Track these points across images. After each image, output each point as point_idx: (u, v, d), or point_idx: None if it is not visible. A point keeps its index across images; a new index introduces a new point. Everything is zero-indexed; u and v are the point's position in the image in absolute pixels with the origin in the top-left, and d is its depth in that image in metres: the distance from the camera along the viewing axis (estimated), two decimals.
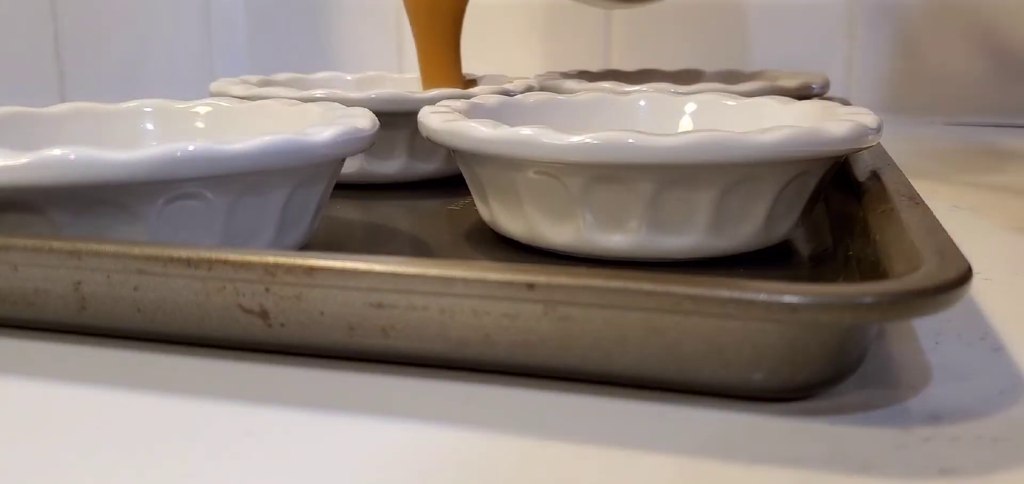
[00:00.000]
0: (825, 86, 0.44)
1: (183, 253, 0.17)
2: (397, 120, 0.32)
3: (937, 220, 0.19)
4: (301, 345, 0.17)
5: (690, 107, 0.31)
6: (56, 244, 0.18)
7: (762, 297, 0.14)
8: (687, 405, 0.16)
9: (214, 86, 0.37)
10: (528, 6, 0.65)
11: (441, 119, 0.25)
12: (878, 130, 0.23)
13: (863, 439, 0.14)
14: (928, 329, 0.19)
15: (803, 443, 0.14)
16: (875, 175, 0.24)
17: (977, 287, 0.22)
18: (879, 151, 0.28)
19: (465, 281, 0.16)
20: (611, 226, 0.23)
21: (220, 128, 0.29)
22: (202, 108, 0.30)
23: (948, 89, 0.59)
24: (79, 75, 0.56)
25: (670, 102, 0.31)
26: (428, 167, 0.35)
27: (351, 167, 0.34)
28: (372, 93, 0.32)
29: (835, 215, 0.27)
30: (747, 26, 0.62)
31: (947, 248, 0.16)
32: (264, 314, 0.17)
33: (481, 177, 0.25)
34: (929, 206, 0.20)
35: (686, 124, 0.30)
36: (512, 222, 0.25)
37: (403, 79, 0.44)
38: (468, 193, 0.27)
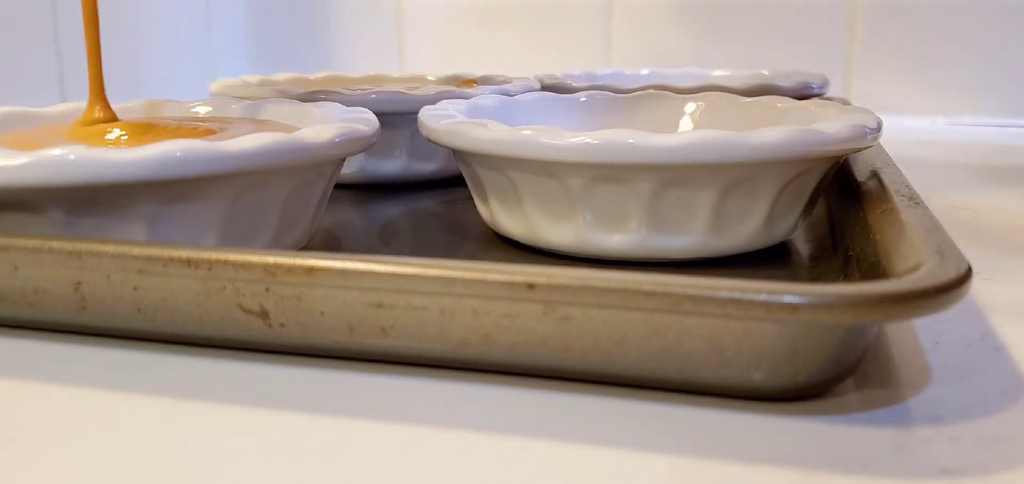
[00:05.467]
0: (825, 86, 0.44)
1: (183, 253, 0.17)
2: (397, 120, 0.32)
3: (937, 220, 0.19)
4: (301, 345, 0.17)
5: (690, 107, 0.31)
6: (56, 244, 0.18)
7: (762, 297, 0.14)
8: (687, 405, 0.16)
9: (214, 86, 0.37)
10: (529, 6, 0.65)
11: (441, 119, 0.25)
12: (878, 130, 0.23)
13: (863, 439, 0.14)
14: (928, 329, 0.19)
15: (803, 443, 0.14)
16: (875, 175, 0.24)
17: (977, 287, 0.22)
18: (879, 151, 0.28)
19: (465, 281, 0.16)
20: (611, 226, 0.23)
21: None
22: (202, 108, 0.30)
23: (948, 89, 0.59)
24: (79, 75, 0.56)
25: (670, 102, 0.31)
26: (428, 167, 0.35)
27: (351, 167, 0.34)
28: (372, 93, 0.32)
29: (835, 215, 0.27)
30: (747, 26, 0.62)
31: (947, 248, 0.16)
32: (264, 314, 0.17)
33: (481, 177, 0.25)
34: (929, 206, 0.20)
35: (686, 124, 0.30)
36: (512, 222, 0.25)
37: (403, 79, 0.44)
38: (468, 193, 0.27)
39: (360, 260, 0.16)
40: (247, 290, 0.17)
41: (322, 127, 0.22)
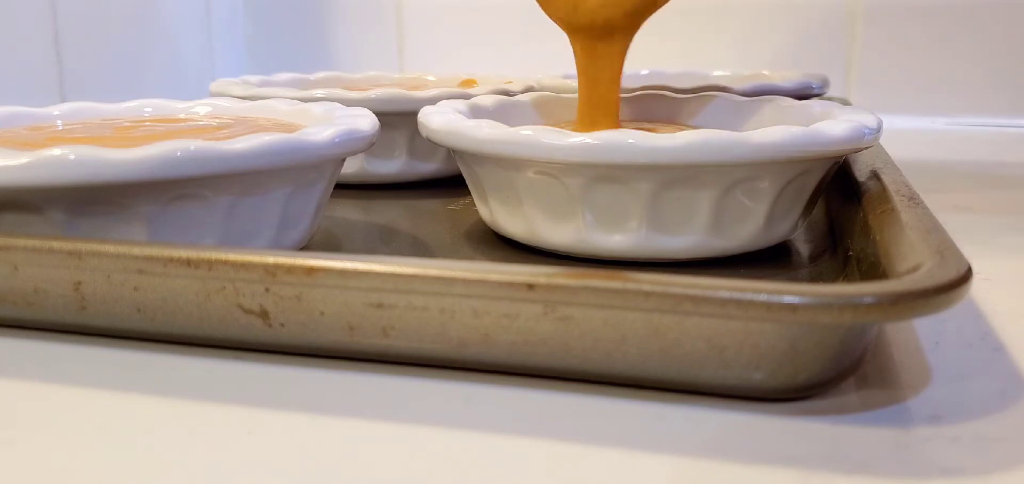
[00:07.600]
0: (825, 86, 0.44)
1: (183, 253, 0.17)
2: (397, 120, 0.32)
3: (937, 220, 0.19)
4: (301, 345, 0.17)
5: (690, 107, 0.31)
6: (56, 244, 0.18)
7: (762, 297, 0.14)
8: (687, 405, 0.16)
9: (214, 86, 0.37)
10: (530, 6, 0.65)
11: (441, 119, 0.25)
12: (878, 130, 0.23)
13: (863, 439, 0.14)
14: (928, 329, 0.19)
15: (803, 443, 0.14)
16: (875, 175, 0.24)
17: (977, 287, 0.22)
18: (879, 151, 0.28)
19: (465, 281, 0.16)
20: (611, 226, 0.23)
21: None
22: (202, 108, 0.30)
23: (948, 89, 0.59)
24: (79, 75, 0.56)
25: (670, 102, 0.31)
26: (428, 167, 0.35)
27: (351, 167, 0.34)
28: (372, 93, 0.32)
29: (835, 215, 0.27)
30: (748, 26, 0.62)
31: (947, 248, 0.16)
32: (264, 314, 0.17)
33: (481, 177, 0.25)
34: (929, 206, 0.20)
35: (686, 124, 0.30)
36: (512, 222, 0.25)
37: (403, 79, 0.44)
38: (468, 193, 0.27)
39: (360, 260, 0.16)
40: (247, 290, 0.17)
41: (322, 127, 0.22)
